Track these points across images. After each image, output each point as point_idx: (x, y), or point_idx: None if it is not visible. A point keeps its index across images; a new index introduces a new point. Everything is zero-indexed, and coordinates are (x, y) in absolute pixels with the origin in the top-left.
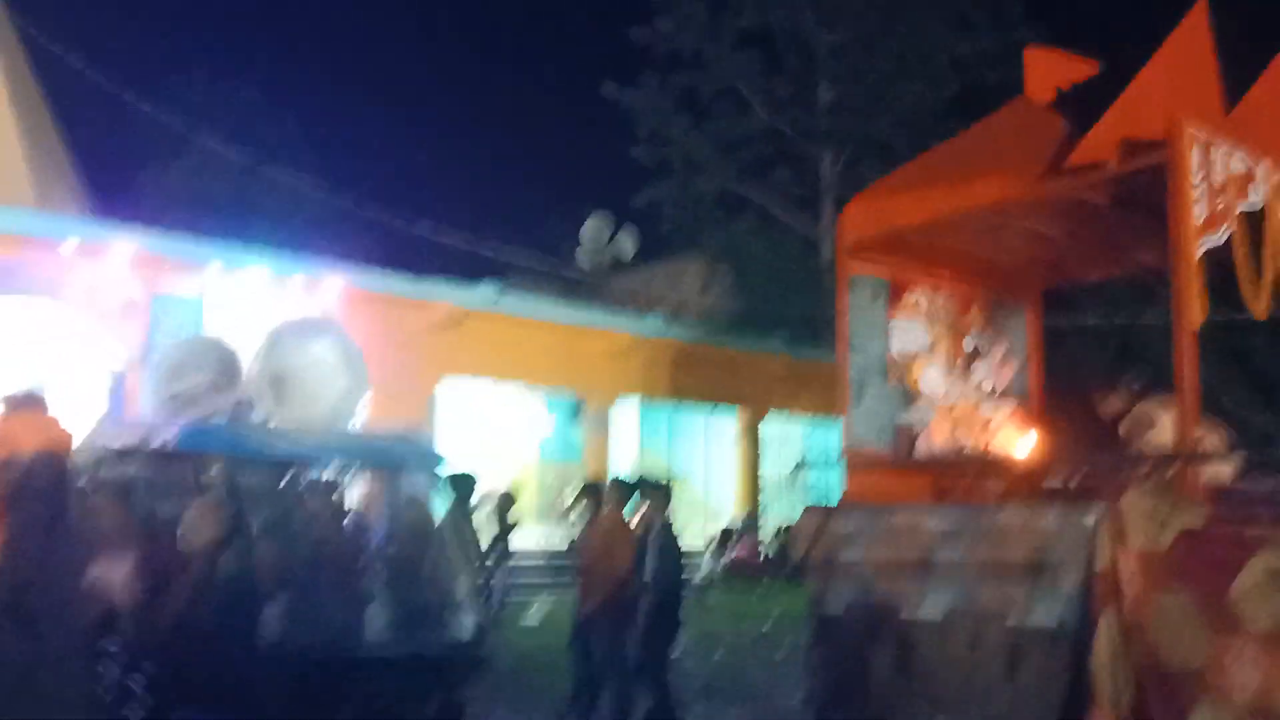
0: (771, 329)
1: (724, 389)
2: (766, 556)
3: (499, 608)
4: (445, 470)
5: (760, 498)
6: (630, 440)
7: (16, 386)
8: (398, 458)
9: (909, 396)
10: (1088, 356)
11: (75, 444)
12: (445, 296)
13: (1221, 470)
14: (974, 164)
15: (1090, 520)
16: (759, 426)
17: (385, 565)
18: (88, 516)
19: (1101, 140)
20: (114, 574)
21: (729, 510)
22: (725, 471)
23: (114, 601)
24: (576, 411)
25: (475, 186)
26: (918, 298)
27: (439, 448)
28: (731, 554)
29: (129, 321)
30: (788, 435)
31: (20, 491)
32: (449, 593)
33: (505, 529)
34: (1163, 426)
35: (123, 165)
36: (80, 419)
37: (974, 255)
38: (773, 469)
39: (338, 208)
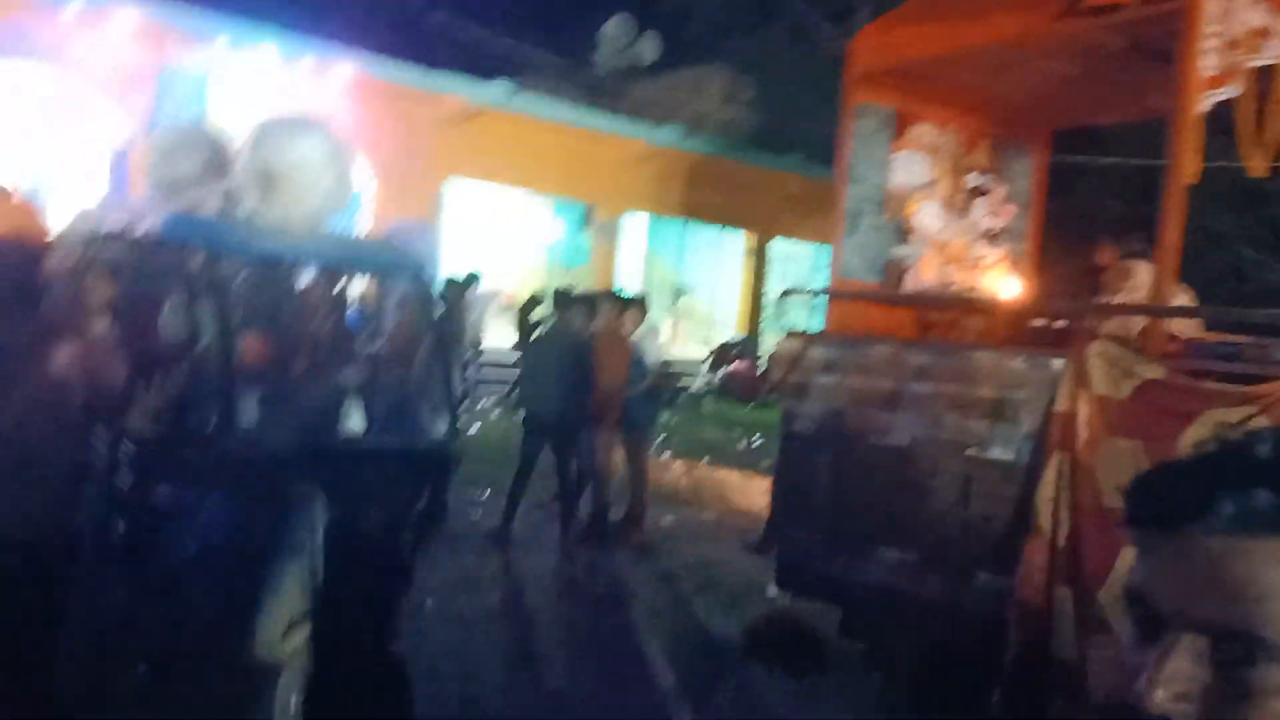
0: (789, 148)
1: (735, 205)
2: (763, 374)
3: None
4: (436, 270)
5: (762, 317)
6: (638, 250)
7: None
8: (382, 260)
9: (903, 231)
10: (1097, 202)
11: (55, 226)
12: (457, 90)
13: (1192, 324)
14: None
15: (1056, 364)
16: (767, 246)
17: (366, 363)
18: (74, 296)
19: None
20: (98, 352)
21: (731, 327)
22: (730, 288)
23: (97, 379)
24: (585, 218)
25: None
26: (923, 132)
27: (434, 248)
28: (728, 368)
29: (133, 94)
30: (795, 256)
31: None
32: (430, 392)
33: (528, 328)
34: (1139, 281)
35: None
36: (80, 195)
37: (985, 92)
38: (778, 289)
39: None
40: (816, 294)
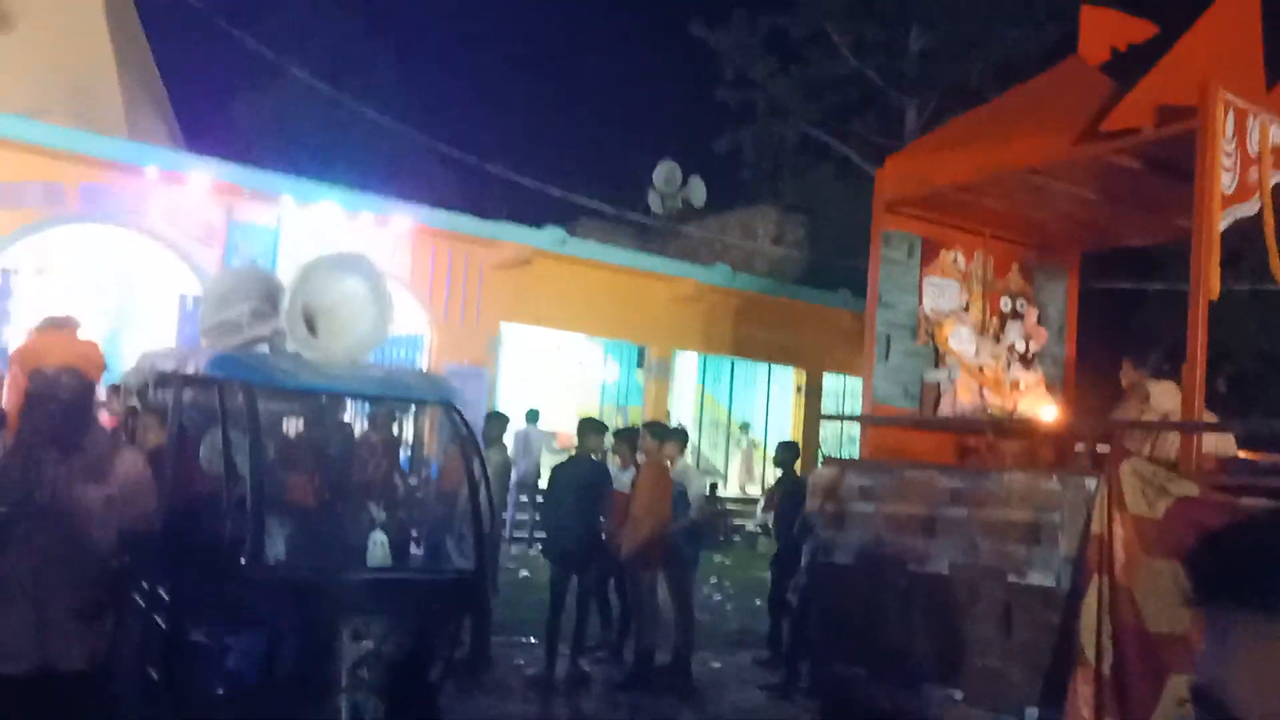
0: (837, 284)
1: (786, 341)
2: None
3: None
4: (482, 397)
5: (819, 451)
6: (691, 387)
7: (54, 312)
8: (417, 392)
9: (937, 355)
10: (1127, 323)
11: (104, 365)
12: (510, 238)
13: (1226, 442)
14: (1017, 123)
15: (1090, 485)
16: (821, 379)
17: (397, 490)
18: (132, 433)
19: (1138, 104)
20: (142, 487)
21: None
22: (785, 423)
23: (140, 514)
24: (639, 357)
25: (550, 126)
26: (955, 256)
27: (487, 392)
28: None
29: (207, 248)
30: (847, 391)
31: (43, 399)
32: (456, 522)
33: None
34: (1157, 401)
35: (213, 92)
36: (151, 341)
37: (1014, 216)
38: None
39: (414, 143)
40: (850, 419)
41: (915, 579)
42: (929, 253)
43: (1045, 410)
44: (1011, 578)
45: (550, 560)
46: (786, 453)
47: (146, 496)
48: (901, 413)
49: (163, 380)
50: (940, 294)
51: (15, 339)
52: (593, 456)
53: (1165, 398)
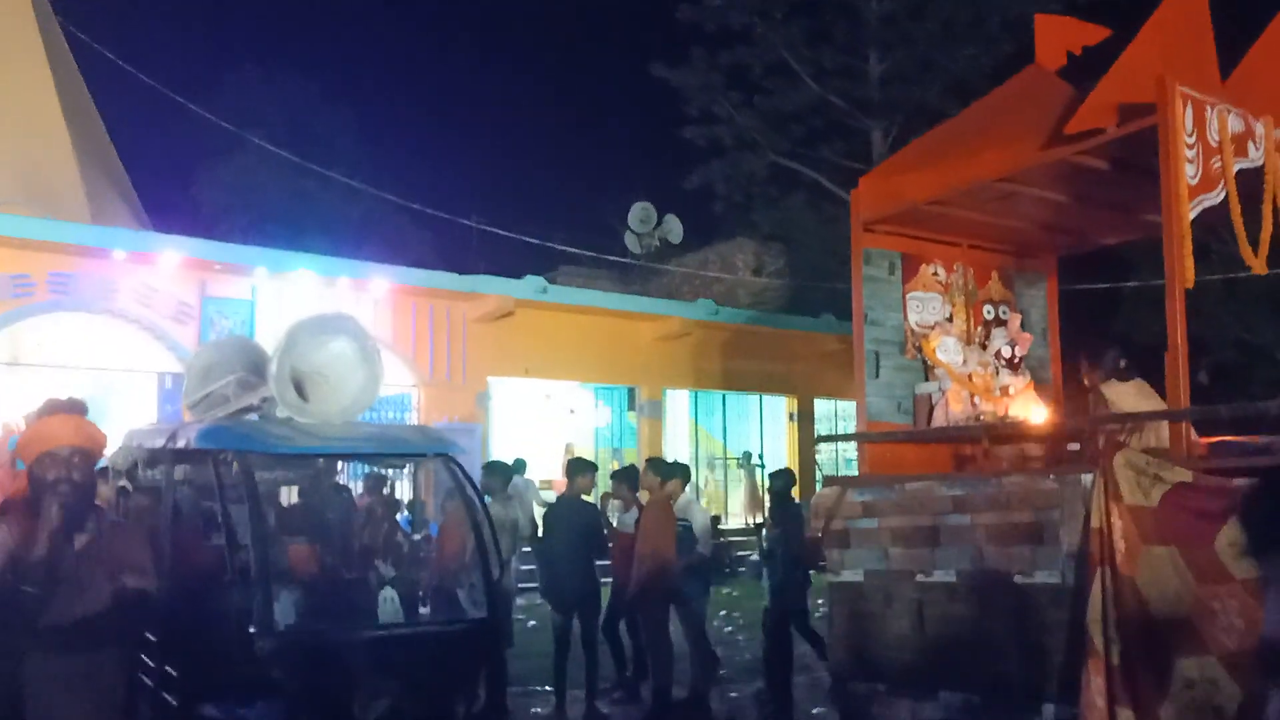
0: (821, 309)
1: (774, 371)
2: (819, 539)
3: None
4: (475, 452)
5: (817, 475)
6: (684, 425)
7: (56, 395)
8: (414, 447)
9: (926, 368)
10: (1109, 322)
11: (111, 446)
12: (492, 289)
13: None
14: (984, 135)
15: (1086, 480)
16: (812, 405)
17: (401, 549)
18: (126, 514)
19: (1099, 106)
20: (142, 575)
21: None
22: (780, 451)
23: (143, 595)
24: (630, 399)
25: (522, 176)
26: (935, 269)
27: (479, 446)
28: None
29: (182, 325)
30: (842, 413)
31: (57, 482)
32: (465, 572)
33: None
34: (1116, 407)
35: (173, 168)
36: (131, 419)
37: (989, 225)
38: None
39: (385, 204)
40: (847, 439)
41: (924, 589)
42: (909, 268)
43: (1036, 412)
44: (1018, 579)
45: (550, 604)
46: (780, 480)
47: (150, 574)
48: (896, 428)
49: (153, 457)
50: (924, 307)
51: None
52: (583, 497)
53: (1125, 400)
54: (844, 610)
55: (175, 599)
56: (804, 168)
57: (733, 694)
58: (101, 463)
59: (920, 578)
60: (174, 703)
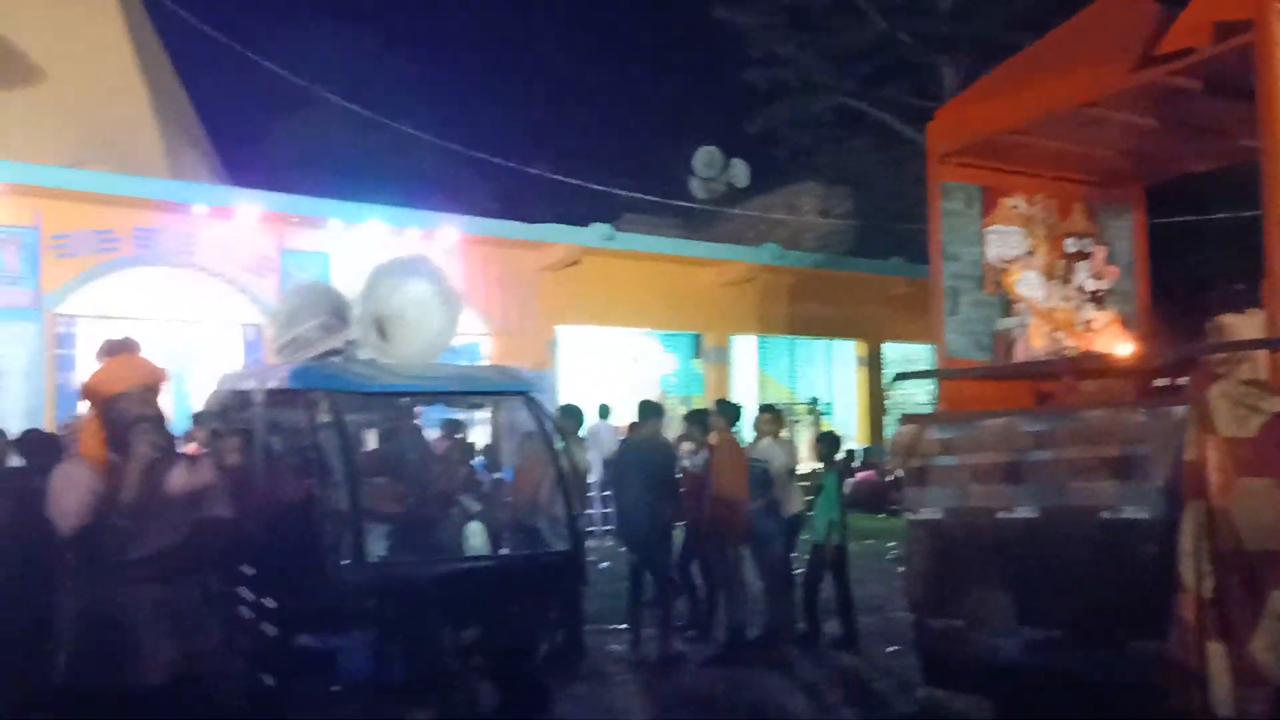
0: (890, 251)
1: (842, 315)
2: (892, 480)
3: None
4: (548, 396)
5: (885, 421)
6: (750, 371)
7: (110, 336)
8: (495, 385)
9: (1007, 303)
10: (1201, 255)
11: (203, 393)
12: (558, 237)
13: None
14: (1067, 59)
15: (1178, 412)
16: (881, 349)
17: (481, 487)
18: (219, 455)
19: (1191, 24)
20: (233, 509)
21: (853, 435)
22: (848, 397)
23: (224, 525)
24: (695, 346)
25: (586, 123)
26: (1015, 202)
27: (549, 384)
28: (853, 479)
29: (261, 278)
30: (911, 357)
31: (137, 420)
32: (546, 508)
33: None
34: (1235, 335)
35: (248, 124)
36: (219, 369)
37: (1072, 154)
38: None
39: (453, 155)
40: (925, 375)
41: (1005, 526)
42: (988, 201)
43: (1121, 348)
44: (1105, 514)
45: (624, 543)
46: (827, 446)
47: (240, 511)
48: (975, 364)
49: (243, 400)
50: (1004, 241)
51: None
52: (653, 438)
53: (1240, 331)
54: (922, 548)
55: (269, 534)
56: (871, 108)
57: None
58: (196, 408)
59: (1001, 514)
60: (271, 633)
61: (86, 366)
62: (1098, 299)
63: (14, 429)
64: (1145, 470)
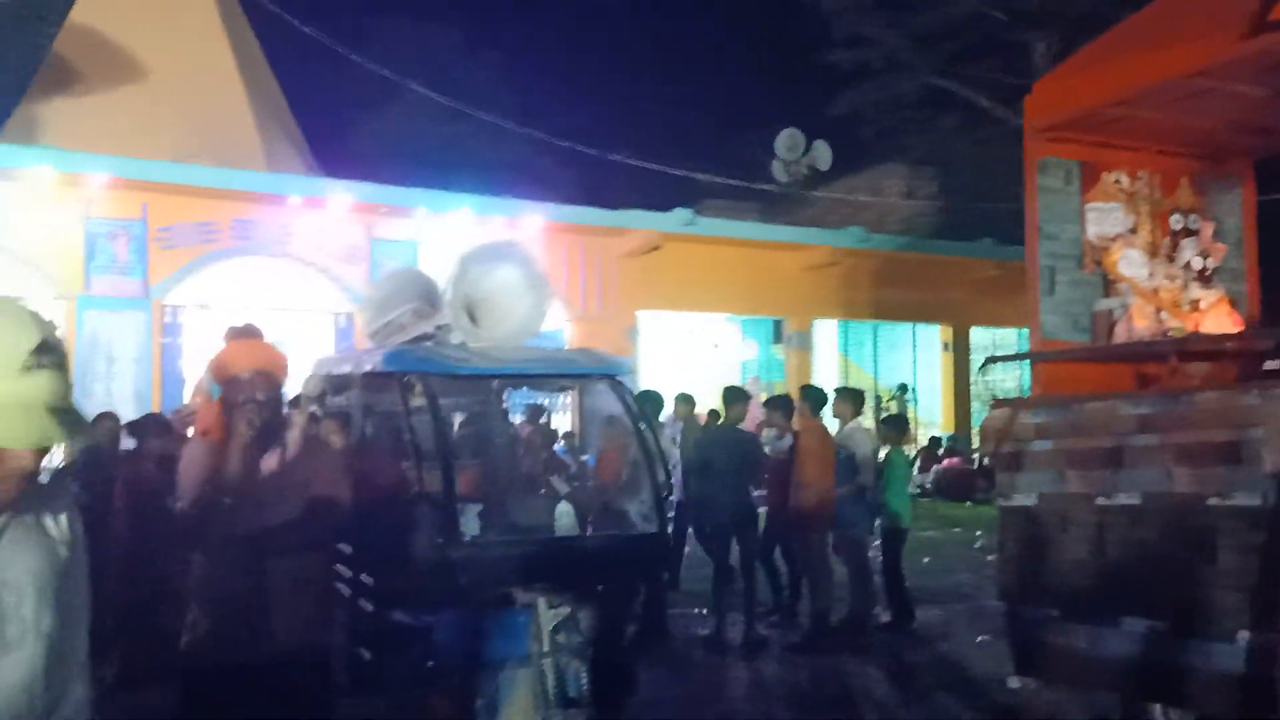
0: (978, 233)
1: (928, 299)
2: (979, 467)
3: None
4: (630, 381)
5: (971, 408)
6: (832, 356)
7: (236, 322)
8: (583, 368)
9: (1107, 282)
10: None
11: (299, 377)
12: (639, 224)
13: None
14: (1174, 27)
15: None
16: (968, 334)
17: (572, 467)
18: (316, 438)
19: None
20: (337, 489)
21: (937, 422)
22: (933, 383)
23: (333, 509)
24: (776, 331)
25: (666, 109)
26: (1117, 177)
27: (634, 370)
28: (939, 466)
29: (352, 267)
30: (1000, 342)
31: (245, 403)
32: (634, 490)
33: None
34: None
35: (337, 116)
36: (313, 353)
37: (1178, 127)
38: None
39: (534, 144)
40: (1019, 358)
41: (1104, 513)
42: (1089, 177)
43: (1230, 328)
44: (1212, 501)
45: (708, 529)
46: (892, 429)
47: (343, 490)
48: (1073, 346)
49: (340, 383)
50: (1104, 218)
51: (192, 369)
52: (738, 425)
53: None
54: (1015, 535)
55: (366, 512)
56: (958, 87)
57: (884, 619)
58: (293, 391)
59: (1100, 500)
60: (370, 609)
61: (192, 353)
62: (1204, 277)
63: (125, 414)
64: (1257, 455)
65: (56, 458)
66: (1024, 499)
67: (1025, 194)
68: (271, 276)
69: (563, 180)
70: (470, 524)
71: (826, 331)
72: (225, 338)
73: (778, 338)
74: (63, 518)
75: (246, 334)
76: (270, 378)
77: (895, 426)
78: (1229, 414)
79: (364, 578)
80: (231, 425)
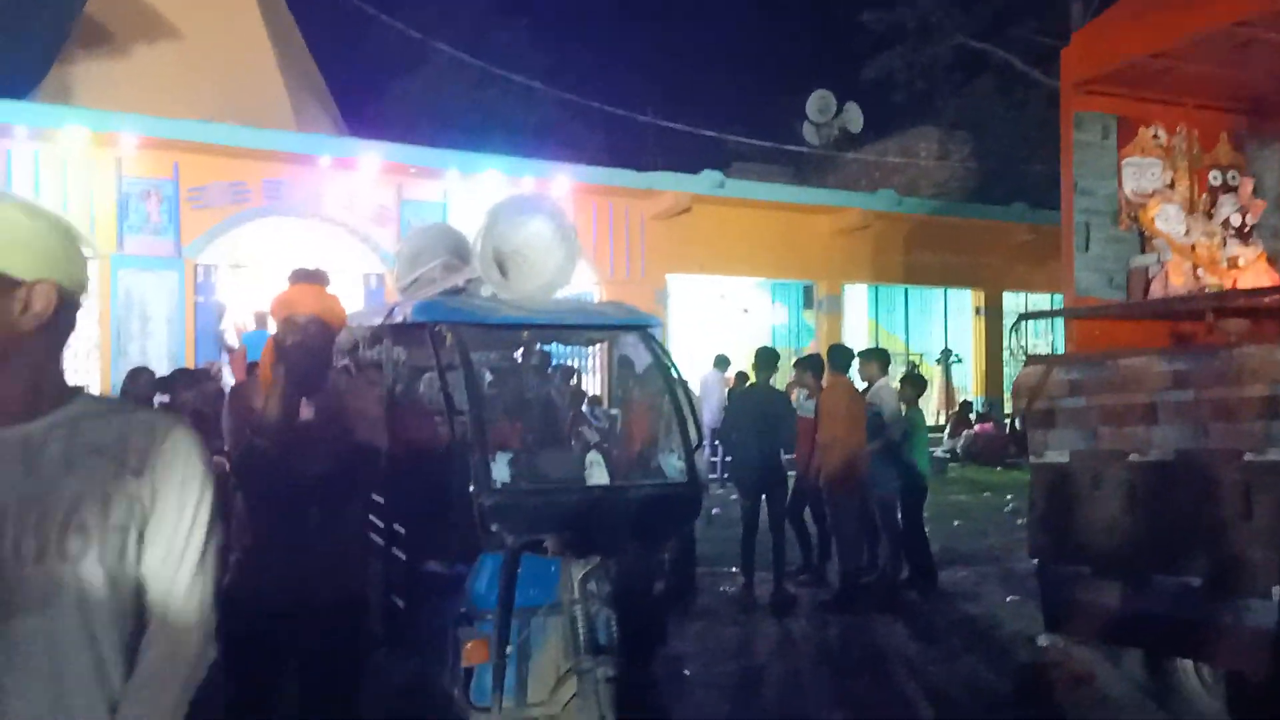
0: (1011, 196)
1: (960, 264)
2: (1011, 432)
3: None
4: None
5: (1003, 374)
6: (863, 321)
7: (301, 263)
8: (615, 320)
9: (1143, 239)
10: None
11: (344, 317)
12: (669, 185)
13: None
14: None
15: None
16: (1001, 299)
17: (602, 419)
18: (351, 388)
19: None
20: (371, 439)
21: (969, 388)
22: (965, 347)
23: (373, 457)
24: (806, 295)
25: (695, 70)
26: (1155, 131)
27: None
28: (971, 431)
29: (382, 227)
30: (1033, 307)
31: (293, 347)
32: (663, 440)
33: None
34: None
35: (366, 76)
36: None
37: (1219, 81)
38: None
39: (563, 104)
40: (1053, 315)
41: (1137, 469)
42: (1126, 132)
43: (1269, 285)
44: (1249, 456)
45: (738, 489)
46: (913, 387)
47: (377, 440)
48: (1108, 303)
49: (372, 335)
50: (1141, 174)
51: (229, 329)
52: (767, 384)
53: None
54: (1046, 492)
55: (399, 462)
56: (993, 48)
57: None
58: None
59: (1134, 457)
60: (403, 558)
61: (227, 311)
62: (1243, 234)
63: (160, 372)
64: None
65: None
66: (1056, 456)
67: (1061, 148)
68: (302, 237)
69: (592, 142)
70: (501, 472)
71: (857, 296)
72: (290, 279)
73: (808, 303)
74: (137, 440)
75: (312, 279)
76: (325, 325)
77: (915, 385)
78: (1266, 369)
79: (397, 527)
80: (277, 366)
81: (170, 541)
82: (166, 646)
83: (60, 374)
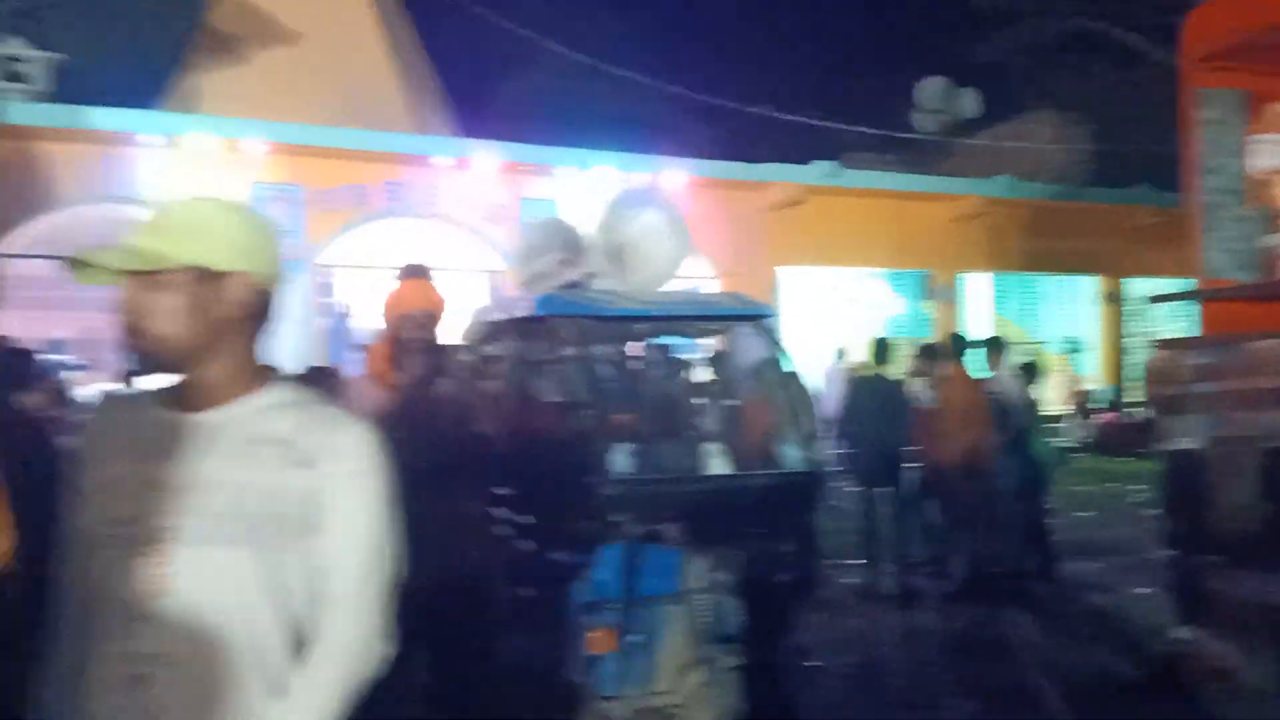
0: (1133, 179)
1: (1082, 249)
2: (1138, 421)
3: None
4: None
5: (1127, 362)
6: (982, 309)
7: (409, 259)
8: (731, 310)
9: (1274, 218)
10: None
11: (450, 310)
12: (781, 177)
13: None
14: None
15: None
16: (1125, 286)
17: (721, 406)
18: (479, 380)
19: None
20: (495, 419)
21: (1093, 376)
22: (1087, 336)
23: (488, 442)
24: (923, 285)
25: (804, 60)
26: None
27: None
28: (1097, 420)
29: (499, 226)
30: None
31: (410, 341)
32: (787, 431)
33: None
34: None
35: (479, 76)
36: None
37: None
38: (1139, 333)
39: (673, 99)
40: (1184, 297)
41: (1274, 456)
42: (1253, 108)
43: None
44: None
45: (857, 479)
46: (1030, 377)
47: (493, 423)
48: (1239, 284)
49: (497, 329)
50: (1272, 151)
51: (358, 327)
52: (887, 375)
53: None
54: (1178, 480)
55: (523, 452)
56: (1112, 26)
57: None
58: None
59: (1270, 444)
60: (528, 548)
61: (352, 312)
62: None
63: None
64: None
65: None
66: (1187, 443)
67: (1183, 128)
68: (422, 237)
69: (704, 136)
70: (623, 463)
71: (975, 285)
72: (399, 276)
73: (924, 293)
74: (312, 433)
75: (415, 274)
76: (431, 317)
77: (1033, 374)
78: None
79: (522, 517)
80: (397, 361)
81: (337, 534)
82: (331, 639)
83: (254, 363)
